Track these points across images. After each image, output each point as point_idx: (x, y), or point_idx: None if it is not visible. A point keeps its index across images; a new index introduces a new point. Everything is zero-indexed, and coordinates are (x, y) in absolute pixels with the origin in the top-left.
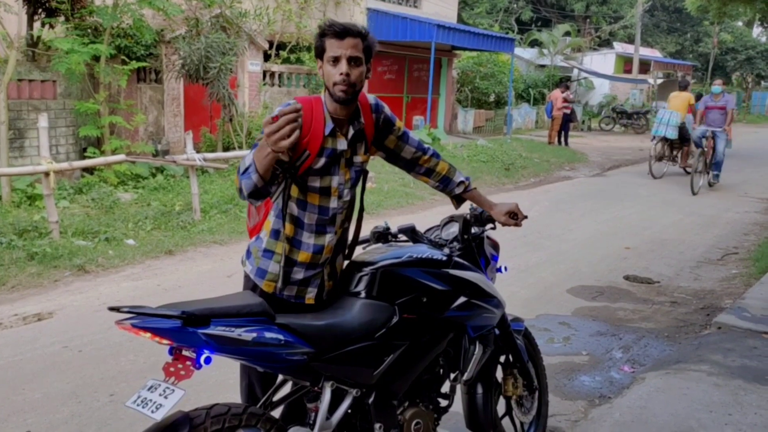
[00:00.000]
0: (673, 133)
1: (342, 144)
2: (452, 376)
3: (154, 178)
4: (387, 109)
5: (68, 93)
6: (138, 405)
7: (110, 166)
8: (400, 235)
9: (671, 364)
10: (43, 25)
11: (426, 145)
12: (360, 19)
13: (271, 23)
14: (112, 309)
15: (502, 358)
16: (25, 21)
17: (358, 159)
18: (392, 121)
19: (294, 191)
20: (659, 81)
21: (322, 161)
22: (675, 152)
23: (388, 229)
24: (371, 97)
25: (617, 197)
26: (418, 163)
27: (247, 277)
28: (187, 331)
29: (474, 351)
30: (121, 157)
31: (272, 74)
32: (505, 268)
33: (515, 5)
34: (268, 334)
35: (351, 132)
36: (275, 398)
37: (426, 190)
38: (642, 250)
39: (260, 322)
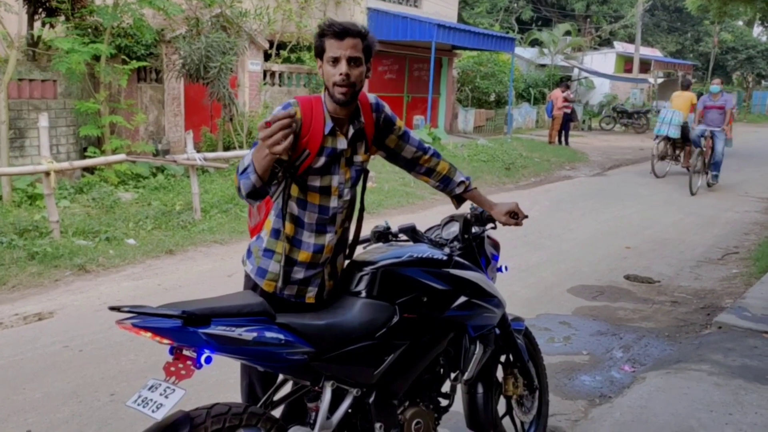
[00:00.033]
0: (675, 133)
1: (342, 143)
2: (453, 375)
3: (154, 178)
4: (387, 109)
5: (69, 92)
6: (138, 404)
7: (111, 166)
8: (400, 235)
9: (672, 364)
10: (43, 24)
11: (426, 145)
12: (360, 19)
13: (272, 23)
14: (112, 308)
15: (503, 358)
16: (25, 20)
17: (358, 158)
18: (393, 120)
19: (294, 190)
20: (660, 80)
21: (322, 160)
22: (677, 151)
23: (388, 228)
24: (372, 97)
25: (618, 197)
26: (418, 163)
27: (247, 276)
28: (188, 330)
29: (474, 350)
30: (121, 156)
31: (272, 74)
32: (506, 268)
33: (515, 5)
34: (269, 334)
35: (351, 131)
36: (276, 398)
37: (426, 189)
38: (642, 249)
39: (261, 322)
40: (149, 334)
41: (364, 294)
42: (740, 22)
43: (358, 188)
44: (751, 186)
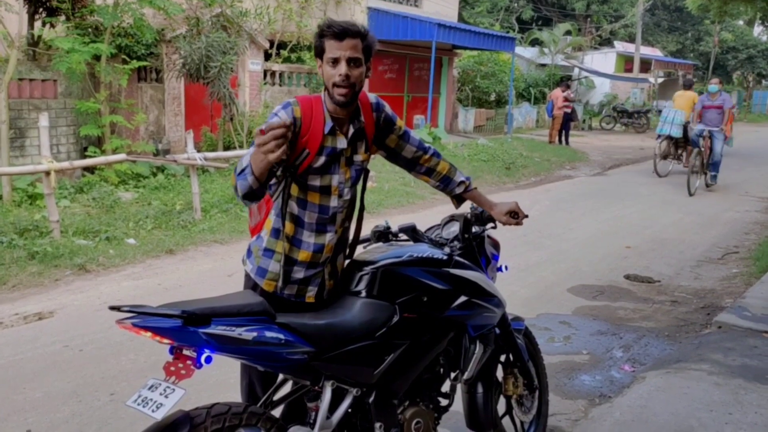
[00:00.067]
0: (677, 132)
1: (342, 143)
2: (453, 375)
3: (154, 178)
4: (388, 108)
5: (69, 92)
6: (138, 404)
7: (111, 166)
8: (400, 234)
9: (672, 364)
10: (43, 24)
11: (427, 145)
12: (361, 18)
13: (272, 22)
14: (112, 308)
15: (503, 358)
16: (25, 20)
17: (358, 158)
18: (393, 120)
19: (294, 190)
20: (660, 80)
21: (321, 160)
22: (680, 151)
23: (388, 228)
24: (372, 96)
25: (618, 196)
26: (418, 163)
27: (247, 276)
28: (188, 330)
29: (474, 350)
30: (121, 156)
31: (273, 73)
32: (506, 267)
33: (516, 4)
34: (269, 334)
35: (351, 131)
36: (276, 397)
37: (427, 189)
38: (643, 249)
39: (261, 322)
40: (149, 334)
41: (364, 293)
42: (741, 22)
43: (358, 188)
44: (752, 185)
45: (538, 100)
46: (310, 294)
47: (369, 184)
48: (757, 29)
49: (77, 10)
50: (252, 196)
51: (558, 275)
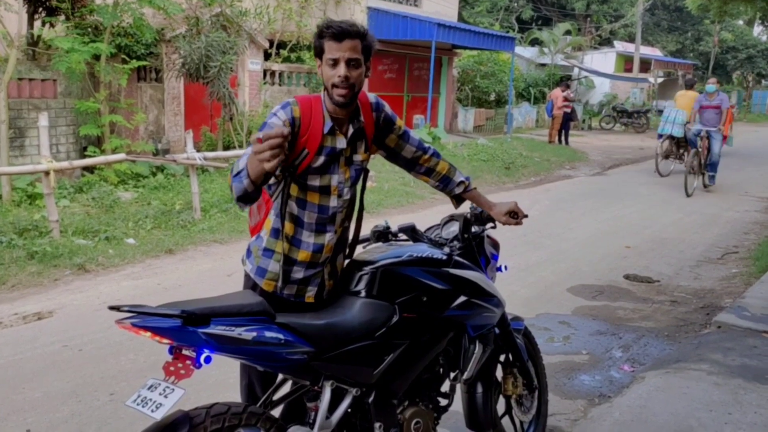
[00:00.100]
0: (679, 131)
1: (341, 142)
2: (452, 375)
3: (154, 177)
4: (387, 108)
5: (69, 92)
6: (138, 404)
7: (110, 165)
8: (400, 234)
9: (671, 363)
10: (43, 24)
11: (426, 145)
12: (360, 18)
13: (272, 22)
14: (112, 308)
15: (502, 357)
16: (25, 20)
17: (357, 157)
18: (392, 119)
19: (294, 190)
20: (660, 80)
21: (321, 160)
22: (681, 150)
23: (388, 228)
24: (372, 96)
25: (618, 196)
26: (418, 163)
27: (247, 276)
28: (187, 330)
29: (474, 350)
30: (121, 156)
31: (273, 73)
32: (506, 267)
33: (516, 4)
34: (268, 334)
35: (351, 130)
36: (275, 397)
37: (426, 189)
38: (642, 249)
39: (260, 322)
40: (149, 334)
41: (363, 293)
42: (740, 22)
43: (358, 188)
44: (751, 185)
45: (537, 100)
46: (310, 294)
47: (368, 184)
48: (757, 29)
49: (77, 10)
50: (246, 198)
51: (557, 275)
